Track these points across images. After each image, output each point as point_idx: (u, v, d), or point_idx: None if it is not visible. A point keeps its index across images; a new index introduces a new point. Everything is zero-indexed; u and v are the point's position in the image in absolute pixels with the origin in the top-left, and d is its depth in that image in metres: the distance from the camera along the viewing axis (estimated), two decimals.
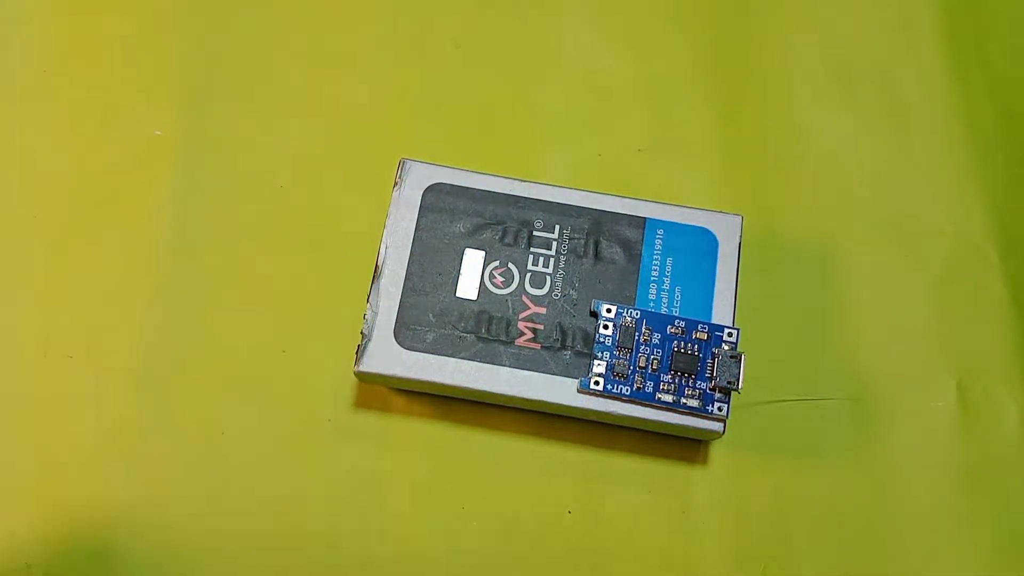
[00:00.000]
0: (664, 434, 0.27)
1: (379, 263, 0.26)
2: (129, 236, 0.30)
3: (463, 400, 0.27)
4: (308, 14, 0.34)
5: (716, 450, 0.28)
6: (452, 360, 0.25)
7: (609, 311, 0.26)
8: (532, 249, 0.27)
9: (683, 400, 0.25)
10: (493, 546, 0.27)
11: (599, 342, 0.25)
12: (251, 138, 0.32)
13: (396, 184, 0.27)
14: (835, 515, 0.28)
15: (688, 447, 0.28)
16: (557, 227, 0.27)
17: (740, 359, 0.25)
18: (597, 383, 0.25)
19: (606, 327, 0.25)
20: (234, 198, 0.31)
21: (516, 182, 0.27)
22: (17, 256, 0.30)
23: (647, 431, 0.26)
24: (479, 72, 0.33)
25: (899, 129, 0.33)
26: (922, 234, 0.31)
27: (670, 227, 0.27)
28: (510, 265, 0.26)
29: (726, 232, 0.26)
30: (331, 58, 0.33)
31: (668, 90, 0.33)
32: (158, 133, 0.32)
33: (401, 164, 0.27)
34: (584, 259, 0.26)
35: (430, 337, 0.25)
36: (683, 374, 0.25)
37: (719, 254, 0.26)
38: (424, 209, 0.27)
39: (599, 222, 0.27)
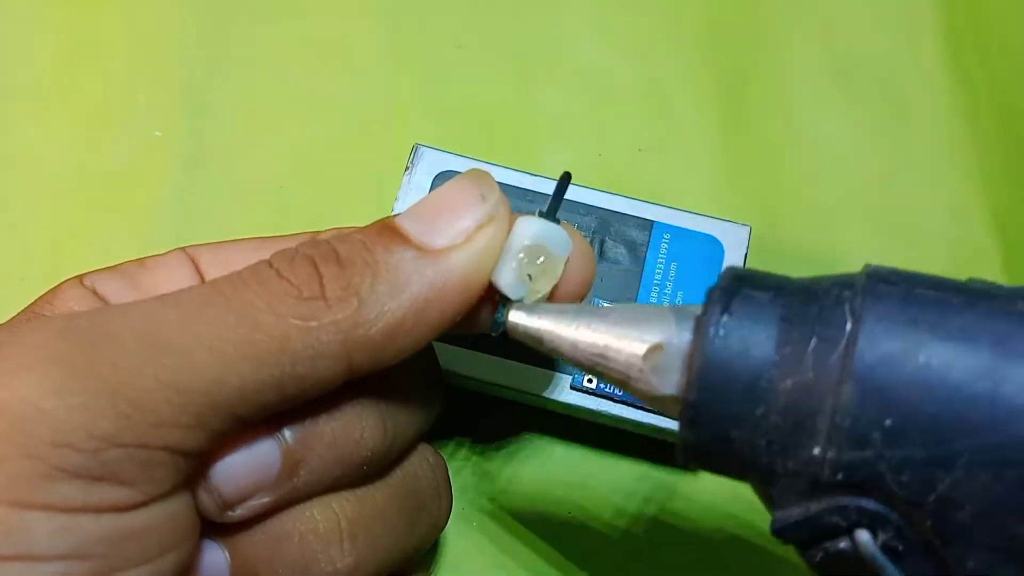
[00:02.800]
0: (655, 439, 0.27)
1: None
2: (129, 237, 0.30)
3: (459, 393, 0.27)
4: (308, 14, 0.34)
5: None
6: (448, 347, 0.25)
7: None
8: None
9: None
10: (493, 546, 0.27)
11: None
12: (251, 138, 0.32)
13: (407, 168, 0.27)
14: None
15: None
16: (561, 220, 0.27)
17: None
18: (590, 381, 0.25)
19: None
20: (234, 198, 0.31)
21: (527, 176, 0.27)
22: (17, 256, 0.30)
23: (638, 434, 0.26)
24: (479, 72, 0.33)
25: (899, 129, 0.33)
26: (923, 234, 0.31)
27: (677, 232, 0.26)
28: None
29: (733, 241, 0.26)
30: (331, 58, 0.33)
31: (668, 90, 0.33)
32: (158, 134, 0.32)
33: (414, 149, 0.27)
34: None
35: None
36: None
37: (724, 263, 0.26)
38: None
39: (606, 221, 0.27)
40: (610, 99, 0.33)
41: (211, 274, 0.23)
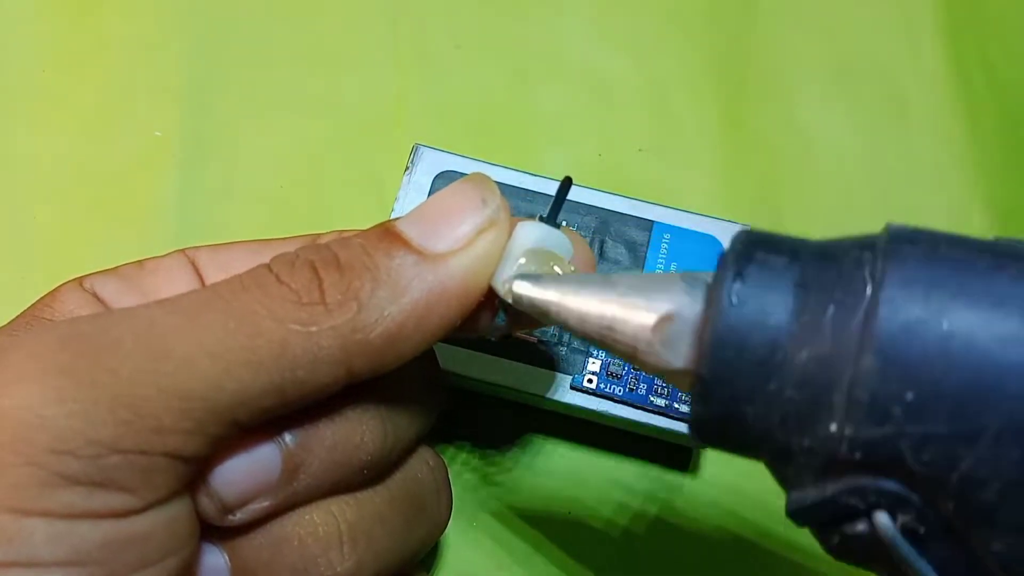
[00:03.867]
0: (656, 439, 0.27)
1: None
2: (129, 237, 0.30)
3: (459, 393, 0.27)
4: (308, 14, 0.34)
5: (707, 458, 0.28)
6: (448, 348, 0.25)
7: None
8: None
9: (675, 405, 0.25)
10: (494, 546, 0.27)
11: None
12: (251, 138, 0.32)
13: (407, 168, 0.27)
14: None
15: (680, 453, 0.28)
16: (563, 223, 0.27)
17: None
18: (591, 381, 0.25)
19: None
20: (234, 198, 0.31)
21: (527, 176, 0.27)
22: (17, 256, 0.30)
23: (640, 434, 0.26)
24: (479, 72, 0.33)
25: (899, 129, 0.33)
26: None
27: (677, 232, 0.26)
28: None
29: None
30: (331, 58, 0.33)
31: (668, 90, 0.33)
32: (158, 134, 0.32)
33: (414, 149, 0.27)
34: None
35: None
36: None
37: None
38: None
39: (606, 222, 0.27)
40: (610, 99, 0.33)
41: (210, 276, 0.23)
